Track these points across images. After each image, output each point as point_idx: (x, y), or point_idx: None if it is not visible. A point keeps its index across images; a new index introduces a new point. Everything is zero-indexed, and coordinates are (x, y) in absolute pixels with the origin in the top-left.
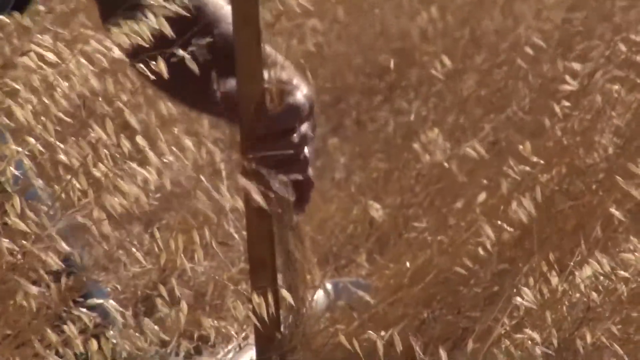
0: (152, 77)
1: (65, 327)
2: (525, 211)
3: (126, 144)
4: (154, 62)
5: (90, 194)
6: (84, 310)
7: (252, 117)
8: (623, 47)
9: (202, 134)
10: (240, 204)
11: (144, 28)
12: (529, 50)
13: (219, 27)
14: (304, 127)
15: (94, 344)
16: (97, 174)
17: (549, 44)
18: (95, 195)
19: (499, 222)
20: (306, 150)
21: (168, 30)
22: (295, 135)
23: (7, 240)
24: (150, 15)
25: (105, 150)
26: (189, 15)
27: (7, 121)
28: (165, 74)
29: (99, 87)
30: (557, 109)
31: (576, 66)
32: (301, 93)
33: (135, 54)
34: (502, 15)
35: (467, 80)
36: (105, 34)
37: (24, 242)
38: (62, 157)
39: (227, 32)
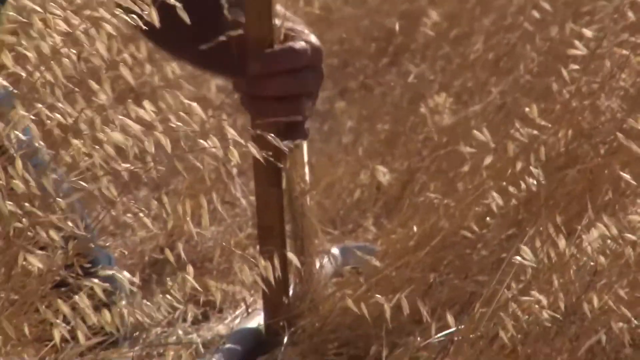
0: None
1: (76, 297)
2: (533, 175)
3: (133, 107)
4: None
5: (95, 156)
6: (95, 280)
7: (255, 56)
8: (631, 13)
9: (208, 97)
10: (247, 167)
11: None
12: (536, 13)
13: None
14: (305, 72)
15: (106, 315)
16: (102, 137)
17: (557, 8)
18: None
19: (506, 185)
20: (306, 99)
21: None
22: (292, 76)
23: (11, 203)
24: None
25: (111, 114)
26: None
27: (13, 88)
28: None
29: (106, 54)
30: (564, 72)
31: (585, 31)
32: (305, 39)
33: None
34: None
35: (474, 44)
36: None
37: (29, 205)
38: (69, 120)
39: None
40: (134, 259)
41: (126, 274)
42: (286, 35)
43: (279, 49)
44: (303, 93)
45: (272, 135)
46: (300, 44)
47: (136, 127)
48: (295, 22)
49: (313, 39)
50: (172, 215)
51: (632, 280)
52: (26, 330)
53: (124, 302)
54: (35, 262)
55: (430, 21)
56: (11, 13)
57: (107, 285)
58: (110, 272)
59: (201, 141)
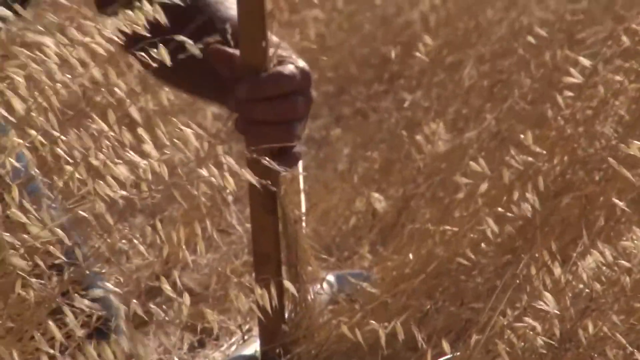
0: (153, 64)
1: (67, 319)
2: (528, 202)
3: (127, 135)
4: (155, 50)
5: (90, 184)
6: (87, 302)
7: (244, 80)
8: (625, 38)
9: (204, 125)
10: (242, 194)
11: (140, 15)
12: (531, 39)
13: (217, 12)
14: (294, 97)
15: (104, 348)
16: (97, 163)
17: (551, 34)
18: (95, 184)
19: (501, 212)
20: (296, 123)
21: (163, 18)
22: (281, 101)
23: (8, 235)
24: (146, 3)
25: (106, 141)
26: (182, 3)
27: (7, 114)
28: (168, 62)
29: (99, 78)
30: (559, 99)
31: (580, 58)
32: (294, 63)
33: (135, 42)
34: (504, 4)
35: (469, 70)
36: (103, 23)
37: (25, 235)
38: (63, 148)
39: (223, 17)
40: (130, 286)
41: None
42: (277, 62)
43: (267, 73)
44: (293, 118)
45: (267, 159)
46: (288, 69)
47: (131, 155)
48: (284, 48)
49: (301, 63)
50: (168, 243)
51: (627, 307)
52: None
53: (120, 329)
54: (32, 290)
55: (425, 48)
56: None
57: (97, 306)
58: (101, 294)
59: (197, 169)
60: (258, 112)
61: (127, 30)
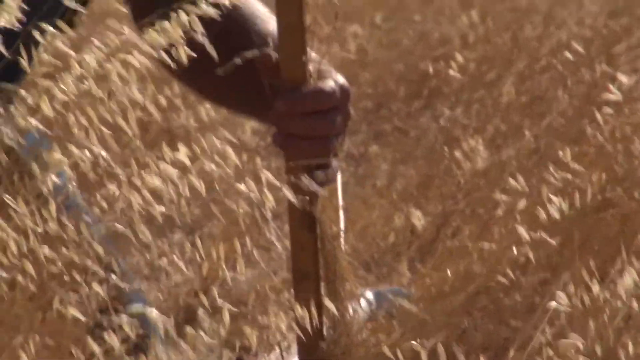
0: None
1: (106, 335)
2: (566, 218)
3: (166, 150)
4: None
5: (131, 201)
6: (125, 318)
7: (283, 95)
8: None
9: (244, 140)
10: (282, 210)
11: (175, 27)
12: (569, 56)
13: (255, 26)
14: (333, 112)
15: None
16: (138, 182)
17: (590, 50)
18: (134, 200)
19: (540, 230)
20: (334, 139)
21: (200, 29)
22: (320, 116)
23: (47, 248)
24: (182, 14)
25: (145, 156)
26: (220, 17)
27: (48, 130)
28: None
29: (139, 96)
30: (598, 115)
31: (617, 74)
32: (333, 79)
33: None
34: (543, 21)
35: (507, 87)
36: (142, 39)
37: (64, 250)
38: (103, 164)
39: (261, 31)
40: (169, 302)
41: (159, 315)
42: (317, 77)
43: (307, 88)
44: (331, 133)
45: (306, 177)
46: (328, 84)
47: (171, 171)
48: (324, 64)
49: (341, 79)
50: (207, 259)
51: None
52: None
53: (159, 346)
54: (70, 307)
55: (464, 64)
56: (46, 56)
57: (139, 326)
58: (142, 311)
59: (236, 184)
60: (296, 126)
61: (164, 44)
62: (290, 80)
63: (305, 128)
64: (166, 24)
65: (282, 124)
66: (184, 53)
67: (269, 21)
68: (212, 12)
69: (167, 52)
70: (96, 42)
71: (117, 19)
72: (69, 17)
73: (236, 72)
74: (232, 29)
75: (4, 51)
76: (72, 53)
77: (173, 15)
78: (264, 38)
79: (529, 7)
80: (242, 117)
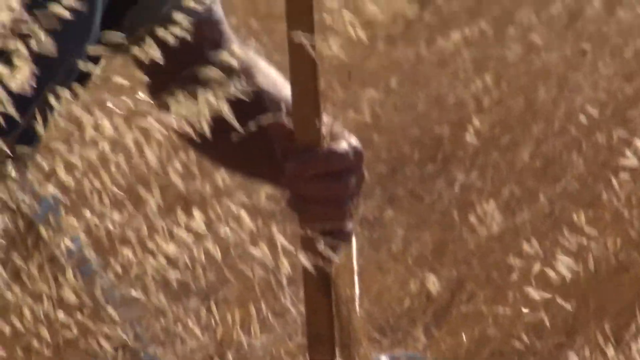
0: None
1: None
2: (581, 282)
3: (181, 216)
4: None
5: (146, 266)
6: None
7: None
8: None
9: (259, 206)
10: (297, 275)
11: (204, 110)
12: (583, 119)
13: (268, 93)
14: (347, 174)
15: None
16: (153, 247)
17: (605, 114)
18: (148, 265)
19: (555, 294)
20: (348, 201)
21: (229, 115)
22: (334, 178)
23: (62, 313)
24: (210, 96)
25: (160, 222)
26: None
27: (62, 196)
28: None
29: (155, 161)
30: (614, 180)
31: (635, 139)
32: (347, 142)
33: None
34: (558, 84)
35: (522, 151)
36: (160, 110)
37: (79, 316)
38: (117, 229)
39: (275, 98)
40: None
41: None
42: (330, 139)
43: (320, 150)
44: (345, 196)
45: (321, 241)
46: (341, 146)
47: (186, 236)
48: (337, 126)
49: (354, 141)
50: (222, 324)
51: None
52: None
53: None
54: None
55: (478, 128)
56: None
57: None
58: None
59: (251, 249)
60: (310, 189)
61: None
62: (304, 143)
63: (319, 190)
64: (193, 106)
65: (295, 186)
66: (207, 125)
67: (282, 87)
68: (237, 89)
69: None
70: (111, 105)
71: (131, 82)
72: (83, 80)
73: (249, 138)
74: (246, 95)
75: (16, 117)
76: (87, 117)
77: (200, 92)
78: (278, 104)
79: (543, 70)
80: (256, 182)
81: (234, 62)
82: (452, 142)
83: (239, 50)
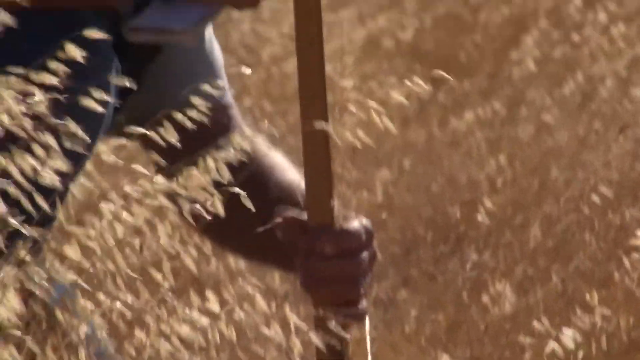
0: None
1: None
2: None
3: (195, 298)
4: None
5: (160, 349)
6: None
7: (309, 238)
8: None
9: (272, 287)
10: (310, 356)
11: (205, 176)
12: (596, 199)
13: (274, 177)
14: (360, 253)
15: None
16: (167, 329)
17: (618, 194)
18: (162, 347)
19: None
20: (362, 280)
21: (228, 177)
22: (347, 257)
23: None
24: (210, 161)
25: (175, 304)
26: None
27: (78, 279)
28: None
29: (168, 243)
30: (626, 260)
31: None
32: (359, 222)
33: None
34: (571, 164)
35: (534, 230)
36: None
37: None
38: (131, 312)
39: (281, 183)
40: None
41: None
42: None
43: (332, 230)
44: (359, 274)
45: (335, 321)
46: (354, 225)
47: (200, 318)
48: (349, 208)
49: (364, 220)
50: None
51: None
52: None
53: None
54: None
55: (491, 208)
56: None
57: None
58: None
59: (264, 330)
60: (324, 268)
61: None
62: (317, 223)
63: (333, 269)
64: (193, 170)
65: (309, 266)
66: (219, 204)
67: (287, 170)
68: (237, 157)
69: (194, 202)
70: (126, 188)
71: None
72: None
73: (257, 226)
74: (253, 179)
75: (46, 209)
76: (102, 200)
77: (200, 162)
78: (285, 189)
79: (557, 150)
80: (266, 267)
81: (246, 147)
82: (465, 222)
83: (248, 135)
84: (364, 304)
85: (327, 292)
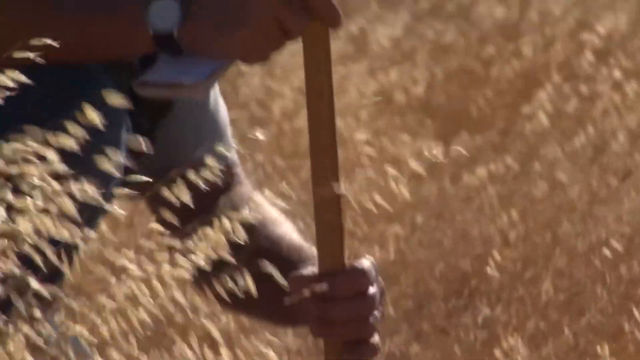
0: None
1: None
2: None
3: (209, 355)
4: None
5: None
6: None
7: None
8: None
9: (285, 342)
10: None
11: (220, 236)
12: (607, 253)
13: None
14: (371, 291)
15: None
16: None
17: (629, 248)
18: None
19: None
20: (375, 315)
21: (243, 236)
22: (358, 299)
23: None
24: (225, 221)
25: None
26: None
27: (90, 335)
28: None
29: (181, 300)
30: (636, 313)
31: None
32: (364, 260)
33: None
34: (582, 218)
35: (546, 284)
36: (184, 246)
37: None
38: None
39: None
40: None
41: None
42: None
43: (346, 272)
44: (372, 312)
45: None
46: (362, 265)
47: None
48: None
49: (367, 257)
50: None
51: None
52: None
53: None
54: None
55: (503, 263)
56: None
57: None
58: None
59: None
60: (339, 312)
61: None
62: (328, 271)
63: (347, 312)
64: (210, 231)
65: (324, 311)
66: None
67: (290, 232)
68: (251, 218)
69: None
70: (145, 245)
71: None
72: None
73: (265, 289)
74: (261, 245)
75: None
76: (116, 257)
77: (215, 222)
78: (275, 242)
79: (568, 204)
80: (275, 325)
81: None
82: (478, 276)
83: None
84: (376, 338)
85: (343, 334)
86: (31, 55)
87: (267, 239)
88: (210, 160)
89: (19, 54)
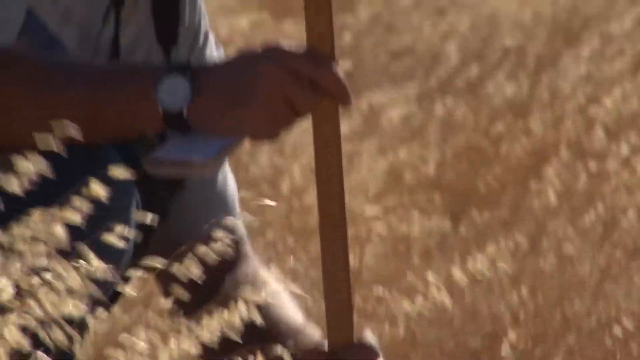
0: None
1: None
2: None
3: None
4: None
5: None
6: None
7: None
8: None
9: None
10: None
11: (235, 318)
12: (618, 331)
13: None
14: None
15: None
16: None
17: (639, 326)
18: None
19: None
20: None
21: (259, 320)
22: None
23: None
24: (241, 303)
25: None
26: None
27: None
28: None
29: None
30: None
31: None
32: (370, 335)
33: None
34: (592, 295)
35: None
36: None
37: None
38: None
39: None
40: None
41: None
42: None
43: (355, 346)
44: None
45: None
46: (369, 340)
47: None
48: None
49: (368, 332)
50: None
51: None
52: None
53: None
54: None
55: (513, 341)
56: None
57: None
58: None
59: None
60: None
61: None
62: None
63: None
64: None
65: None
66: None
67: (291, 315)
68: (262, 299)
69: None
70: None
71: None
72: (115, 299)
73: None
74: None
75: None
76: (126, 336)
77: (232, 304)
78: (286, 338)
79: (578, 281)
80: None
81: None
82: (488, 355)
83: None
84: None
85: None
86: (52, 139)
87: (266, 319)
88: (219, 233)
89: (39, 138)
